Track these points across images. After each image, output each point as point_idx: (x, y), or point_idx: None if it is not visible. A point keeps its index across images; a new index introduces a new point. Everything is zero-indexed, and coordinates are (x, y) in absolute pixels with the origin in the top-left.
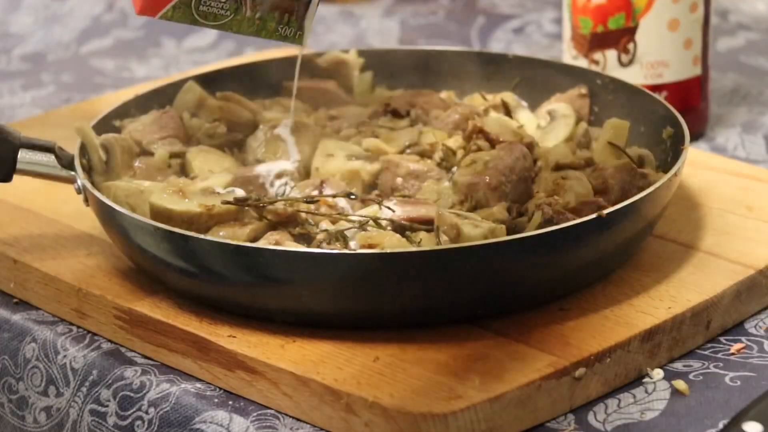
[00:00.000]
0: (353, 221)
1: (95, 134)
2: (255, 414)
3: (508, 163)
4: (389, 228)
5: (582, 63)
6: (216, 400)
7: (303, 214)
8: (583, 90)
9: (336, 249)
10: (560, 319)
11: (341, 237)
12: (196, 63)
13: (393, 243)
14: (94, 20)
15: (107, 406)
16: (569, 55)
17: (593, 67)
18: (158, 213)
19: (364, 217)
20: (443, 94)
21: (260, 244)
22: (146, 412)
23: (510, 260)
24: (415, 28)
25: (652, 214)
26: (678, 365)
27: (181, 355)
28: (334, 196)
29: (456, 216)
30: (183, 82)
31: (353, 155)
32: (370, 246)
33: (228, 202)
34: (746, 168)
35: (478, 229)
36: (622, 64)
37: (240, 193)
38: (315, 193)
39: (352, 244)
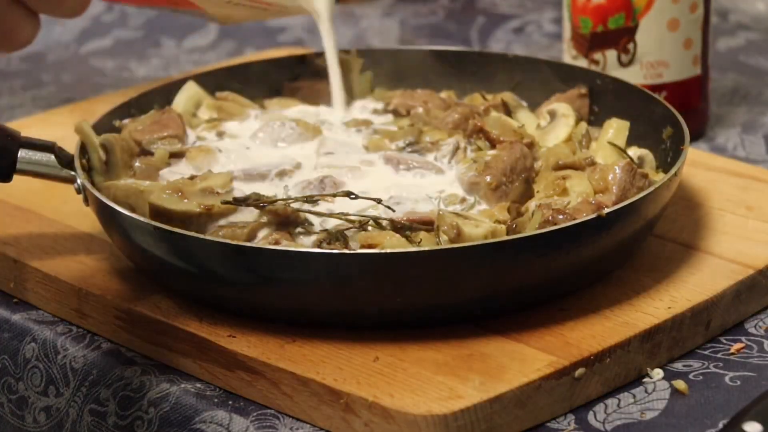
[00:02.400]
0: (353, 221)
1: (95, 134)
2: (255, 414)
3: (508, 162)
4: (389, 228)
5: (582, 63)
6: (216, 400)
7: (303, 214)
8: (583, 90)
9: (336, 249)
10: (560, 319)
11: (341, 237)
12: (196, 63)
13: (393, 243)
14: (93, 20)
15: (107, 406)
16: (569, 55)
17: (593, 67)
18: (158, 213)
19: (364, 217)
20: (443, 94)
21: (260, 244)
22: (146, 412)
23: (510, 260)
24: (415, 28)
25: (652, 214)
26: (678, 365)
27: (181, 355)
28: (334, 196)
29: (456, 216)
30: (183, 82)
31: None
32: (370, 246)
33: (228, 202)
34: (746, 168)
35: (479, 229)
36: (622, 64)
37: (239, 193)
38: (315, 193)
39: (353, 244)
